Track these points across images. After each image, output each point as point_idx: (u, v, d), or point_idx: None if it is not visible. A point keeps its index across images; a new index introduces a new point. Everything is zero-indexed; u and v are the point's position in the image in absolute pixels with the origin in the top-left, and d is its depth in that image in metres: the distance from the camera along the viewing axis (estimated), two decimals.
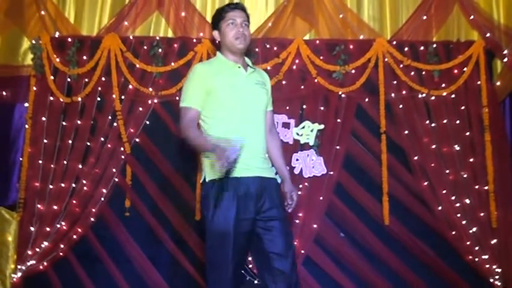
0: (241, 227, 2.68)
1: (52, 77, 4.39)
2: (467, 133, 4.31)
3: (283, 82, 4.36)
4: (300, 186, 4.25)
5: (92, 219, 4.26)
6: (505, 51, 4.23)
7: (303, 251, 4.17)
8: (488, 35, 4.34)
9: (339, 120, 4.32)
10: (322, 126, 4.32)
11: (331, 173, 4.27)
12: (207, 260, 2.74)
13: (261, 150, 2.87)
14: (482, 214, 4.20)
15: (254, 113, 2.86)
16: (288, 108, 4.35)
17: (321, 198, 4.22)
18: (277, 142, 3.08)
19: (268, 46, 4.41)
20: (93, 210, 4.25)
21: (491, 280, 4.12)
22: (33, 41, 4.44)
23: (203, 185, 2.82)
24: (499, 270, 4.12)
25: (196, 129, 2.80)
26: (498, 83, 4.41)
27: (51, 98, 4.39)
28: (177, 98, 4.33)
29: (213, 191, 2.72)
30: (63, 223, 4.23)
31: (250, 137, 2.76)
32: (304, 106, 4.37)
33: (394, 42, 4.41)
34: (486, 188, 4.23)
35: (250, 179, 2.73)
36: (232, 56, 2.91)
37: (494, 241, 4.17)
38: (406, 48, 4.39)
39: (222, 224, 2.66)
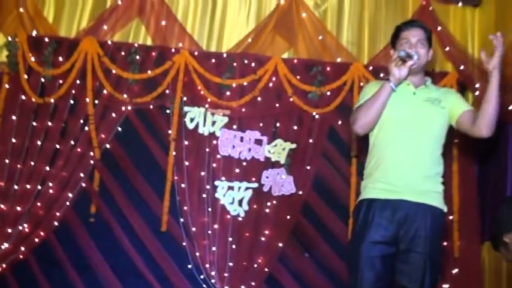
0: (377, 250, 2.58)
1: (26, 76, 4.34)
2: None
3: (259, 99, 4.37)
4: (268, 204, 4.26)
5: (56, 223, 4.20)
6: (477, 85, 4.30)
7: (266, 269, 4.16)
8: (462, 67, 4.41)
9: (311, 141, 4.34)
10: (294, 146, 4.34)
11: (300, 192, 4.28)
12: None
13: (420, 171, 2.66)
14: (445, 243, 4.25)
15: (416, 129, 2.68)
16: (261, 125, 4.37)
17: (288, 217, 4.23)
18: None
19: (246, 62, 4.42)
20: (58, 214, 4.18)
21: None
22: (9, 38, 4.38)
23: (355, 206, 2.83)
24: None
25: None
26: None
27: (23, 97, 4.33)
28: (151, 107, 4.36)
29: (360, 213, 2.68)
30: (25, 225, 4.15)
31: (405, 154, 2.65)
32: (278, 124, 4.39)
33: (371, 68, 4.46)
34: (451, 217, 4.28)
35: (399, 202, 2.61)
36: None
37: (455, 270, 4.21)
38: (381, 74, 4.43)
39: (356, 244, 2.63)
